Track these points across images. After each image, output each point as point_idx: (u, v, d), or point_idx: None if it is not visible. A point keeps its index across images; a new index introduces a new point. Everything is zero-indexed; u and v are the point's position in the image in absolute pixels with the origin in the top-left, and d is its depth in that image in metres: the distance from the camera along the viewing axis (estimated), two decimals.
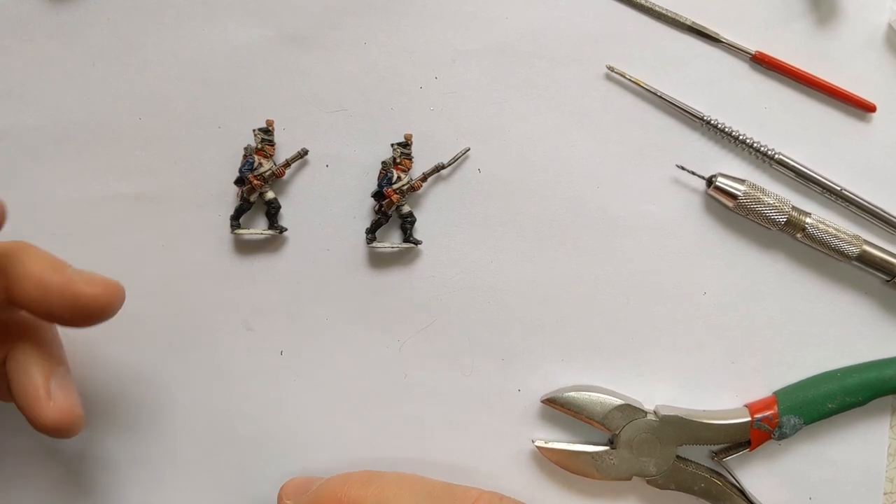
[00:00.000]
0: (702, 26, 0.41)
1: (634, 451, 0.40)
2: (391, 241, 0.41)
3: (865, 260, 0.40)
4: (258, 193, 0.40)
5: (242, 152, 0.40)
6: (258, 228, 0.41)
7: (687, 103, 0.41)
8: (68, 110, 0.41)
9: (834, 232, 0.40)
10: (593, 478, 0.40)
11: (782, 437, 0.40)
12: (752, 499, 0.40)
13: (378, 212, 0.40)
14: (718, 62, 0.41)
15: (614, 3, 0.41)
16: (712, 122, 0.41)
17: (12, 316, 0.35)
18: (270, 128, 0.40)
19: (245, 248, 0.41)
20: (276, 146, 0.40)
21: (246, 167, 0.39)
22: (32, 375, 0.33)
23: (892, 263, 0.40)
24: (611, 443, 0.40)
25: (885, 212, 0.41)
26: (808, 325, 0.42)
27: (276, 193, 0.40)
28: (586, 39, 0.41)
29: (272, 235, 0.40)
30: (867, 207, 0.41)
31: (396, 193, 0.40)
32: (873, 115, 0.41)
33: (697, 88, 0.41)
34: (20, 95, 0.41)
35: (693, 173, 0.41)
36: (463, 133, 0.41)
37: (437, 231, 0.41)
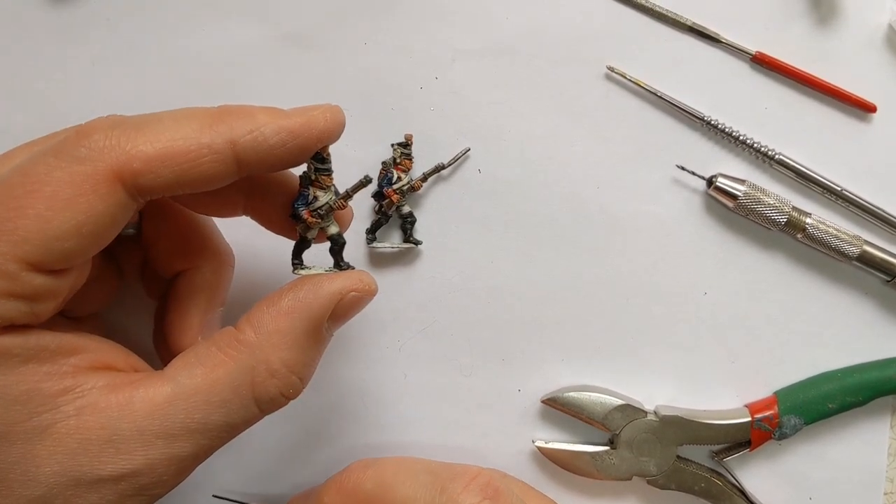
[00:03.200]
0: (702, 26, 0.41)
1: (635, 451, 0.40)
2: (391, 241, 0.41)
3: (866, 260, 0.40)
4: (318, 229, 0.38)
5: None
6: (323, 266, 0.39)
7: (687, 103, 0.41)
8: (68, 110, 0.41)
9: (834, 232, 0.40)
10: (594, 478, 0.40)
11: (783, 437, 0.40)
12: (753, 499, 0.40)
13: (378, 212, 0.40)
14: (719, 62, 0.41)
15: (614, 3, 0.41)
16: (712, 122, 0.41)
17: (205, 231, 0.35)
18: None
19: (247, 249, 0.41)
20: (333, 174, 0.38)
21: (301, 201, 0.37)
22: (193, 307, 0.35)
23: (892, 263, 0.40)
24: (611, 443, 0.40)
25: (885, 212, 0.41)
26: (808, 325, 0.42)
27: None
28: (586, 39, 0.41)
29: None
30: (867, 208, 0.41)
31: (397, 193, 0.40)
32: (873, 115, 0.41)
33: (698, 88, 0.41)
34: (20, 95, 0.41)
35: (693, 173, 0.41)
36: (463, 133, 0.41)
37: (438, 231, 0.41)
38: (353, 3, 0.41)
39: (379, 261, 0.41)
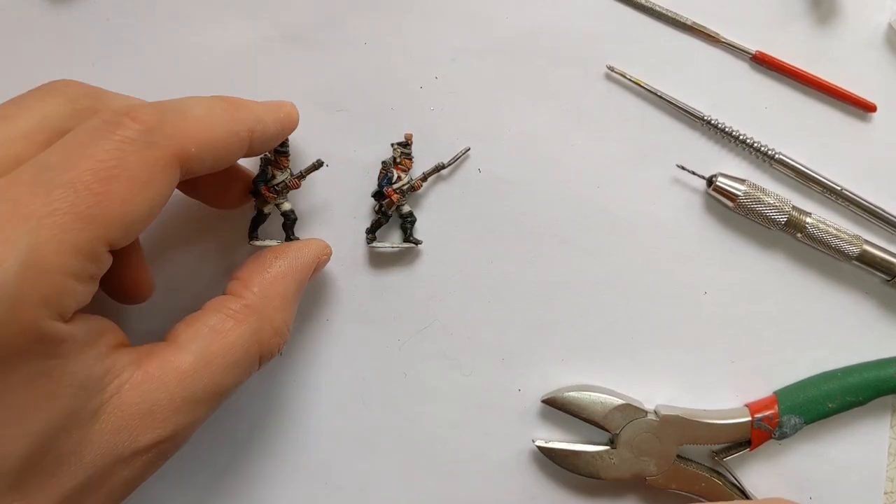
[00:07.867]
0: (702, 26, 0.41)
1: (635, 451, 0.40)
2: (391, 240, 0.41)
3: (866, 260, 0.40)
4: (274, 205, 0.38)
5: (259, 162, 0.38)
6: (276, 239, 0.39)
7: (687, 103, 0.41)
8: None
9: (834, 232, 0.40)
10: (593, 477, 0.40)
11: (783, 436, 0.40)
12: (753, 498, 0.40)
13: (378, 211, 0.40)
14: (718, 62, 0.41)
15: (614, 3, 0.41)
16: (712, 121, 0.41)
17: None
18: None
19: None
20: (290, 157, 0.38)
21: (261, 179, 0.37)
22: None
23: (892, 263, 0.40)
24: (611, 443, 0.40)
25: (885, 211, 0.41)
26: (808, 324, 0.42)
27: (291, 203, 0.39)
28: (586, 39, 0.41)
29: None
30: (867, 207, 0.41)
31: (396, 193, 0.40)
32: (873, 114, 0.41)
33: (698, 88, 0.41)
34: None
35: (693, 173, 0.41)
36: (463, 133, 0.41)
37: (437, 231, 0.41)
38: (353, 3, 0.41)
39: (379, 261, 0.41)
